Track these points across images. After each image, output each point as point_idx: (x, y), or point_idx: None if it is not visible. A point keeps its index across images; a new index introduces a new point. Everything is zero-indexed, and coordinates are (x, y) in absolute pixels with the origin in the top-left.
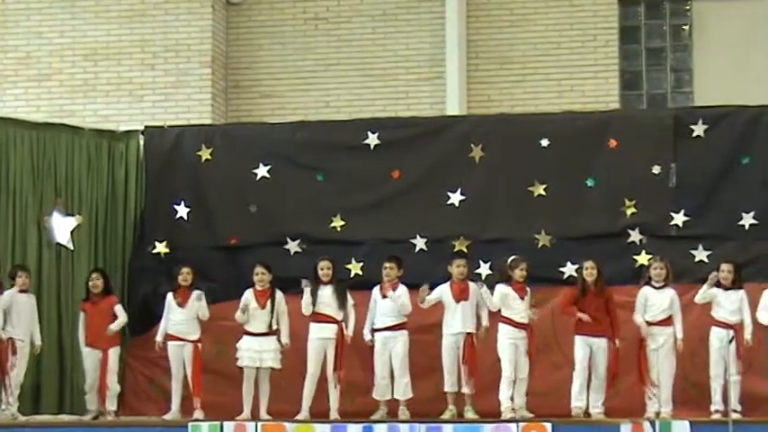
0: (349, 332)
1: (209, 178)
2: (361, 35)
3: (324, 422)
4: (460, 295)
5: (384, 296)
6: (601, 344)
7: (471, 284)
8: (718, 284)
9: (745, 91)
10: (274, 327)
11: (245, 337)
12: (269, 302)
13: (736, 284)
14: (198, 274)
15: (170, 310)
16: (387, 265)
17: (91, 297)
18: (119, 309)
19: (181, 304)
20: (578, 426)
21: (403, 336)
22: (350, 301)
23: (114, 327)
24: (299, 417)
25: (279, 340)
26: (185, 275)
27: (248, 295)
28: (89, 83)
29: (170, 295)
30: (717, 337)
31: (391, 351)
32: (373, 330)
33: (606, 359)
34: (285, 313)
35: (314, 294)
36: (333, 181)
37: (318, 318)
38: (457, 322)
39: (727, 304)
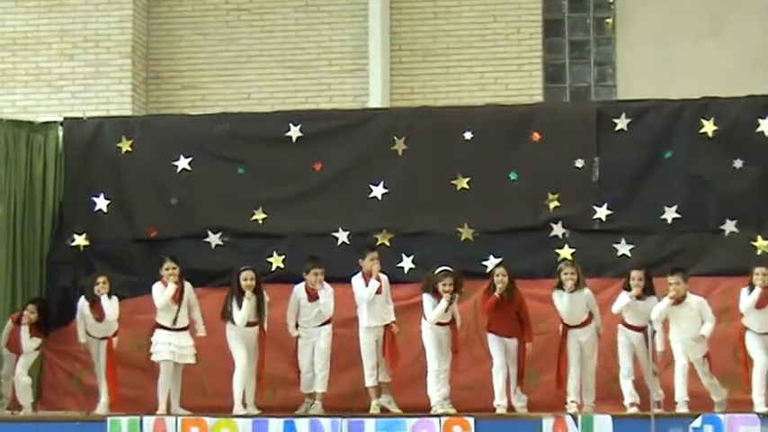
0: (264, 328)
1: (128, 170)
2: (284, 26)
3: (245, 417)
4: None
5: (310, 301)
6: (512, 344)
7: (381, 276)
8: (628, 288)
9: (667, 85)
10: (186, 321)
11: (161, 331)
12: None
13: (648, 292)
14: (117, 268)
15: (85, 318)
16: (318, 271)
17: (21, 320)
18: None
19: (99, 320)
20: (501, 420)
21: (326, 330)
22: (265, 303)
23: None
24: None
25: (191, 334)
26: (102, 285)
27: (160, 289)
28: (7, 73)
29: (85, 305)
30: (624, 336)
31: (314, 344)
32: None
33: (517, 360)
34: (197, 305)
35: (239, 305)
36: (254, 173)
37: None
38: (374, 316)
39: (637, 311)
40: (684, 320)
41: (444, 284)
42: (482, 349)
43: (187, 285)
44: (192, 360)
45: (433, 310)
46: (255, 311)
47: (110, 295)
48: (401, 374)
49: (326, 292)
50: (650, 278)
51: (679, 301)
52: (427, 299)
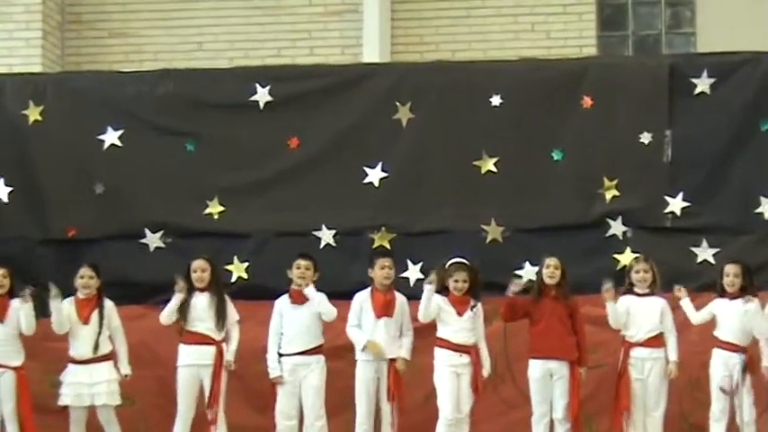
0: (229, 356)
1: (38, 147)
2: None
3: None
4: (384, 309)
5: (294, 303)
6: (561, 371)
7: (398, 295)
8: (721, 294)
9: (764, 33)
10: (105, 349)
11: (72, 367)
12: (95, 316)
13: (746, 293)
14: (22, 277)
15: None
16: (301, 263)
17: None
18: None
19: None
20: None
21: (319, 363)
22: (233, 315)
23: None
24: None
25: (116, 367)
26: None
27: (66, 305)
28: None
29: None
30: (721, 362)
31: (301, 382)
32: (279, 355)
33: (568, 393)
34: (120, 330)
35: (184, 305)
36: (208, 152)
37: (190, 337)
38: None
39: (734, 320)
40: None
41: (457, 280)
42: (514, 389)
43: (107, 304)
44: (107, 400)
45: (436, 312)
46: (215, 318)
47: (10, 295)
48: (405, 422)
49: (319, 295)
50: (750, 276)
51: None
52: (435, 298)
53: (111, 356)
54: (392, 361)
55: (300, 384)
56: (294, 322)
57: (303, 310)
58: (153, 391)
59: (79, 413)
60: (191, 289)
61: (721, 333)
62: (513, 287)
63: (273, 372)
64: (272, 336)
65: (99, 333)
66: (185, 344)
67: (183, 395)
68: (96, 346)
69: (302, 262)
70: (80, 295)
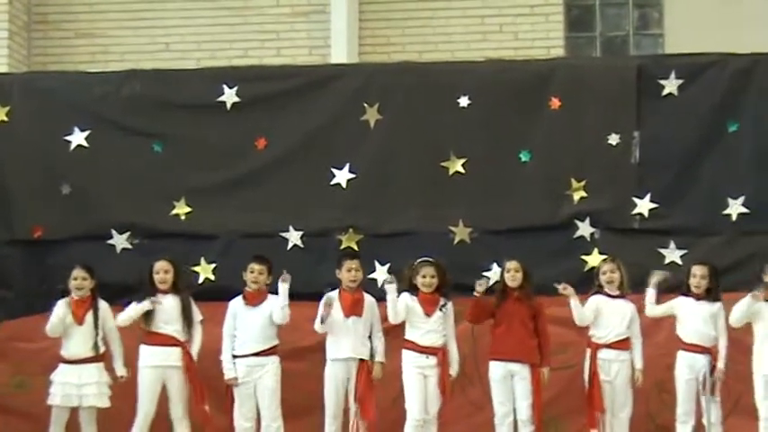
0: (193, 354)
1: (4, 147)
2: None
3: None
4: (352, 308)
5: (248, 304)
6: (522, 372)
7: (367, 296)
8: (686, 293)
9: (731, 34)
10: (94, 350)
11: (62, 367)
12: (89, 316)
13: (711, 294)
14: None
15: None
16: (254, 267)
17: None
18: None
19: None
20: None
21: (273, 363)
22: (197, 315)
23: None
24: None
25: (107, 369)
26: None
27: (63, 308)
28: None
29: None
30: (686, 364)
31: (256, 384)
32: (234, 357)
33: (530, 394)
34: (115, 331)
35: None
36: (174, 152)
37: (155, 338)
38: (346, 344)
39: (698, 321)
40: None
41: (424, 276)
42: (482, 391)
43: (102, 305)
44: (96, 402)
45: (406, 312)
46: (181, 320)
47: None
48: (376, 424)
49: (273, 299)
50: (717, 278)
51: None
52: (404, 297)
53: (102, 358)
54: (362, 362)
55: (256, 386)
56: (248, 324)
57: (257, 311)
58: (117, 393)
59: (62, 413)
60: (153, 290)
61: (685, 334)
62: (479, 287)
63: (228, 373)
64: (226, 338)
65: (96, 335)
66: (148, 345)
67: (145, 396)
68: (95, 347)
69: (255, 266)
70: (74, 296)
